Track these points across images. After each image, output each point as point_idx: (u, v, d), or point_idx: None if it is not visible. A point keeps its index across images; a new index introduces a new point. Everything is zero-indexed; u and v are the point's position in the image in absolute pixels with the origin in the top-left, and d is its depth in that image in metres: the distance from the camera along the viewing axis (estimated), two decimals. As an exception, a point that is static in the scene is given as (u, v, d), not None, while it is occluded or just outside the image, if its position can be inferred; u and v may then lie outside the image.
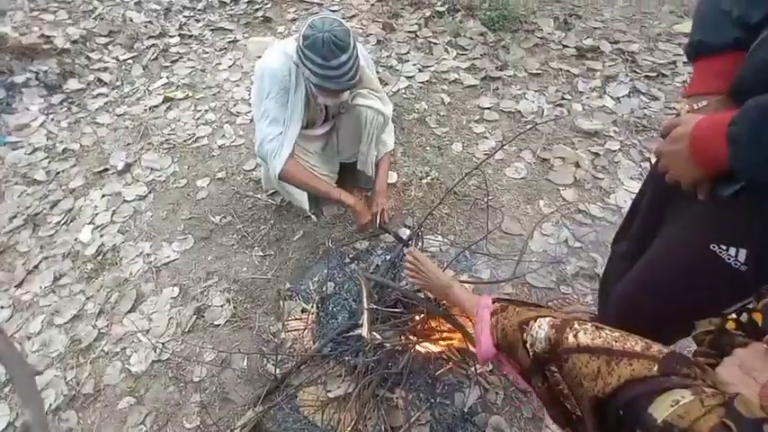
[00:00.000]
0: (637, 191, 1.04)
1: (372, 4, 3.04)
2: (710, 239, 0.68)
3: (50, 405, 1.46)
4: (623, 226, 1.14)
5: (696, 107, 0.69)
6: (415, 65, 2.52)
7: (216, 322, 1.60)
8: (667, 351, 0.49)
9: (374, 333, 1.24)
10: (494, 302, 0.84)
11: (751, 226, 0.64)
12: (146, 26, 3.01)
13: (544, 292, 1.56)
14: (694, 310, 0.79)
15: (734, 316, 0.57)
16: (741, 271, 0.66)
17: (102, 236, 1.93)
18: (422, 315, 1.34)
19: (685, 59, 0.74)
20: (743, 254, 0.65)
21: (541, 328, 0.63)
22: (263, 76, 1.42)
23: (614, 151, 1.97)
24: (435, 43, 2.64)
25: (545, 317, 0.65)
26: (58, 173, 2.22)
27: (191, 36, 2.99)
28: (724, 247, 0.67)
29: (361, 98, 1.49)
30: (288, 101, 1.41)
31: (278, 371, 1.40)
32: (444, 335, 1.34)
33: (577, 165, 1.94)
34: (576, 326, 0.58)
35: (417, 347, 1.34)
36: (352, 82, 1.31)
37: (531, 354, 0.64)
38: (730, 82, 0.64)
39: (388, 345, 1.29)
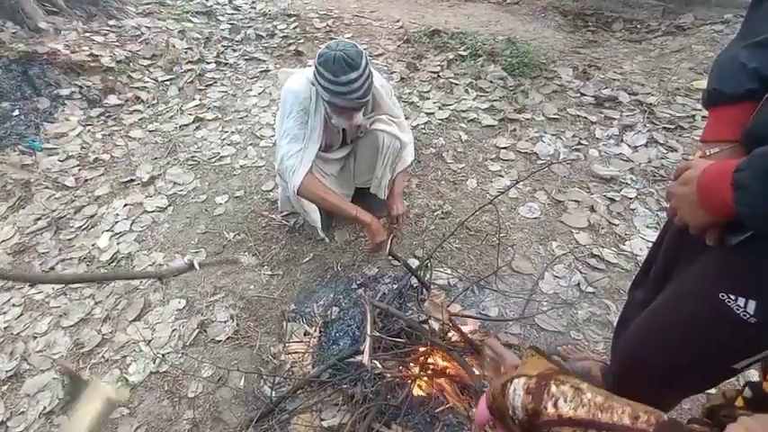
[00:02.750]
0: (653, 239, 1.03)
1: (399, 45, 3.21)
2: (719, 288, 0.67)
3: (44, 408, 1.45)
4: (641, 273, 1.11)
5: (708, 153, 0.69)
6: (435, 102, 2.61)
7: (217, 338, 1.59)
8: (657, 421, 0.45)
9: (375, 361, 1.21)
10: None
11: (761, 276, 0.62)
12: (186, 52, 3.23)
13: (554, 335, 1.51)
14: (702, 361, 0.76)
15: (745, 394, 0.53)
16: (750, 323, 0.64)
17: (118, 243, 1.98)
18: (425, 347, 1.31)
19: (704, 114, 0.75)
20: (752, 305, 0.63)
21: (517, 394, 0.56)
22: (286, 97, 1.51)
23: (630, 198, 1.96)
24: (456, 84, 2.74)
25: (520, 377, 0.57)
26: (86, 180, 2.32)
27: (226, 64, 3.19)
28: (733, 297, 0.65)
29: (380, 123, 1.56)
30: (307, 121, 1.48)
31: (274, 393, 1.37)
32: (448, 371, 1.30)
33: (592, 209, 1.93)
34: (554, 389, 0.52)
35: (418, 381, 1.29)
36: (360, 100, 1.37)
37: (516, 422, 0.57)
38: (743, 130, 0.65)
39: (389, 375, 1.26)
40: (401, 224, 1.73)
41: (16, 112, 2.57)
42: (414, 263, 1.75)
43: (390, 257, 1.72)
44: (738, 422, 0.42)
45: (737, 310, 0.64)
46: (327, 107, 1.44)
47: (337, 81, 1.30)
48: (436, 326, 1.23)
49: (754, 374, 1.33)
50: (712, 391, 1.31)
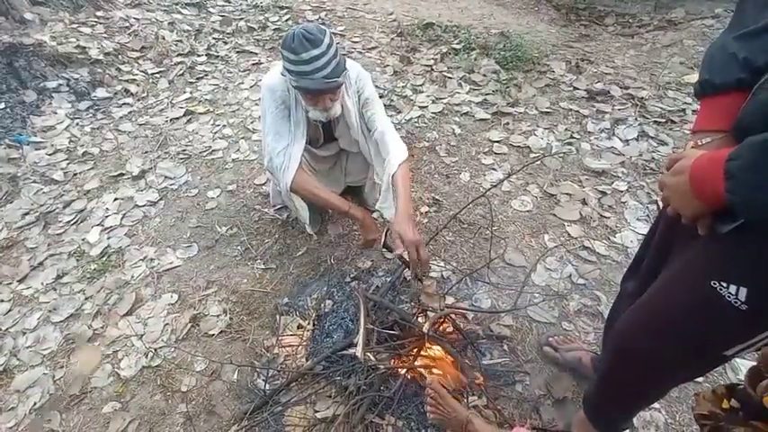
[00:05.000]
0: (644, 232, 1.03)
1: (392, 39, 3.19)
2: (710, 275, 0.67)
3: (34, 404, 1.43)
4: (633, 264, 1.12)
5: (700, 143, 0.70)
6: (428, 96, 2.60)
7: (210, 332, 1.58)
8: None
9: (368, 354, 1.21)
10: None
11: (752, 264, 0.63)
12: (176, 44, 3.18)
13: (545, 326, 1.53)
14: (692, 348, 0.76)
15: (733, 404, 0.54)
16: (741, 310, 0.64)
17: (109, 238, 1.95)
18: (418, 340, 1.32)
19: (695, 108, 0.75)
20: (743, 292, 0.64)
21: None
22: (264, 93, 1.47)
23: (622, 191, 1.98)
24: (450, 77, 2.74)
25: None
26: (75, 174, 2.28)
27: (217, 56, 3.14)
28: (724, 284, 0.65)
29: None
30: (289, 115, 1.45)
31: (267, 386, 1.37)
32: (440, 362, 1.31)
33: (584, 202, 1.94)
34: None
35: (411, 373, 1.30)
36: (329, 80, 1.26)
37: None
38: (734, 120, 0.66)
39: (382, 367, 1.26)
40: (425, 271, 1.32)
41: (2, 105, 2.52)
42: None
43: (384, 250, 1.71)
44: None
45: (729, 297, 0.65)
46: (301, 98, 1.38)
47: (299, 59, 1.22)
48: (429, 311, 1.23)
49: (741, 363, 1.36)
50: (700, 379, 1.34)
